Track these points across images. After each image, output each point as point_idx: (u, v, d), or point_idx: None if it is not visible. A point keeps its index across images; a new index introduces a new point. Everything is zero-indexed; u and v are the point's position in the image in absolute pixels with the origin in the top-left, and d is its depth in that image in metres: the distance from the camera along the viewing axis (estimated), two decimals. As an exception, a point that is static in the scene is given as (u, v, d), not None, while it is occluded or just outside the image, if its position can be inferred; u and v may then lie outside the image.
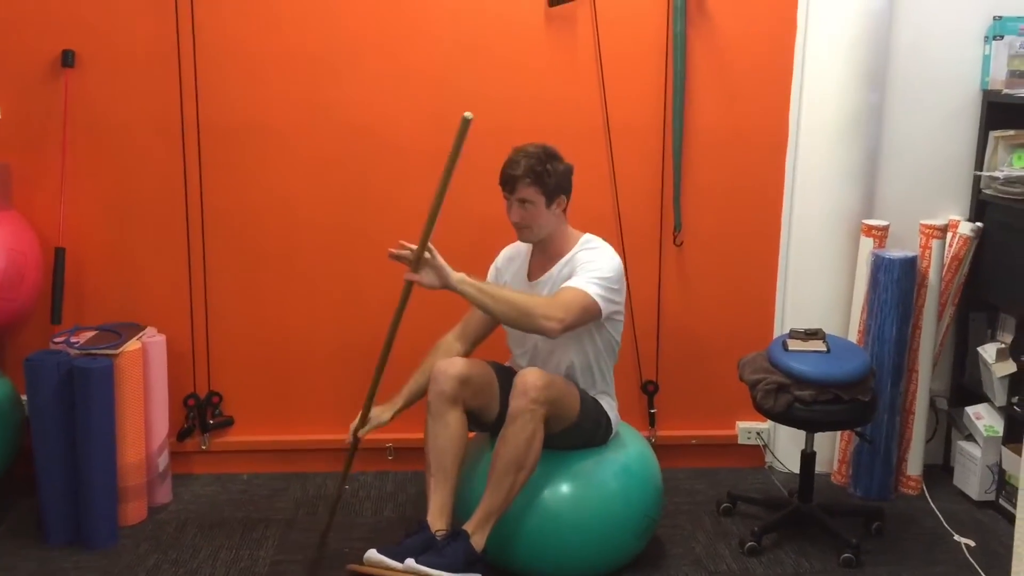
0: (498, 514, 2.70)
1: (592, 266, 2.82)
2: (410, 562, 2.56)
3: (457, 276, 2.68)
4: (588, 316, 2.79)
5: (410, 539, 2.70)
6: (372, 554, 2.62)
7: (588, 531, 2.84)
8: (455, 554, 2.62)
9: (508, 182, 2.85)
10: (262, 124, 3.47)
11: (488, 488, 2.71)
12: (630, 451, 3.03)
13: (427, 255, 2.65)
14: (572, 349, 2.92)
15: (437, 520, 2.74)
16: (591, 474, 2.90)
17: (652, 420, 3.72)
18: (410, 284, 2.71)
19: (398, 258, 2.69)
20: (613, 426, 3.01)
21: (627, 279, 3.13)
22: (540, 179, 2.82)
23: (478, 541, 2.67)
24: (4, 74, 3.37)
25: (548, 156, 2.85)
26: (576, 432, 2.88)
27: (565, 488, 2.85)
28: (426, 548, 2.65)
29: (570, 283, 2.79)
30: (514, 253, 3.09)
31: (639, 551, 3.01)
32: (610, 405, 3.01)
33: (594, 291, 2.77)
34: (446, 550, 2.63)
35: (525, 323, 2.74)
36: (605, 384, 3.01)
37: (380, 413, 2.98)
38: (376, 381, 2.89)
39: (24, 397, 3.20)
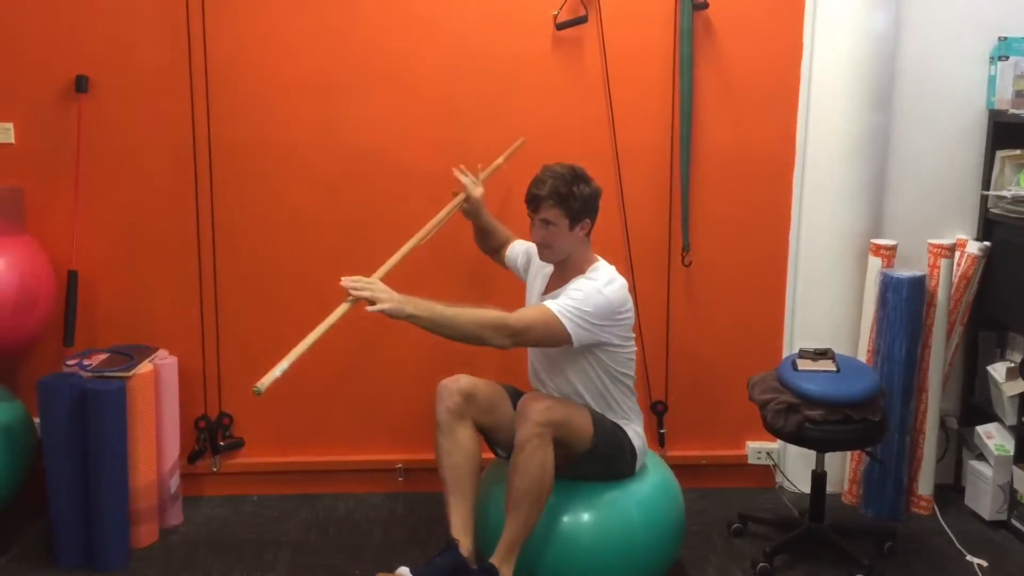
0: (521, 542, 2.69)
1: (575, 295, 2.77)
2: None
3: (408, 311, 2.58)
4: (551, 337, 2.74)
5: (439, 558, 2.69)
6: (405, 573, 2.62)
7: (610, 563, 2.82)
8: None
9: (532, 201, 2.84)
10: (272, 146, 3.50)
11: (507, 519, 2.69)
12: (654, 480, 3.00)
13: (380, 296, 2.57)
14: (569, 369, 2.90)
15: (463, 536, 2.74)
16: (614, 504, 2.87)
17: (662, 440, 3.72)
18: (353, 304, 2.60)
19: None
20: (639, 455, 2.96)
21: (636, 300, 3.14)
22: (564, 201, 2.80)
23: (506, 573, 2.67)
24: (19, 99, 3.41)
25: (575, 178, 2.83)
26: (597, 458, 2.84)
27: (587, 517, 2.83)
28: (455, 571, 2.65)
29: (545, 301, 2.79)
30: None
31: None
32: (634, 432, 2.97)
33: (557, 310, 2.72)
34: None
35: (477, 344, 2.71)
36: (624, 411, 2.97)
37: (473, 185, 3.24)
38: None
39: (37, 420, 3.22)
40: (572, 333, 2.74)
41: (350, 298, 2.56)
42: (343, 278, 2.60)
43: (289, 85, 3.47)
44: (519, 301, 3.09)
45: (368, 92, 3.50)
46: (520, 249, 3.23)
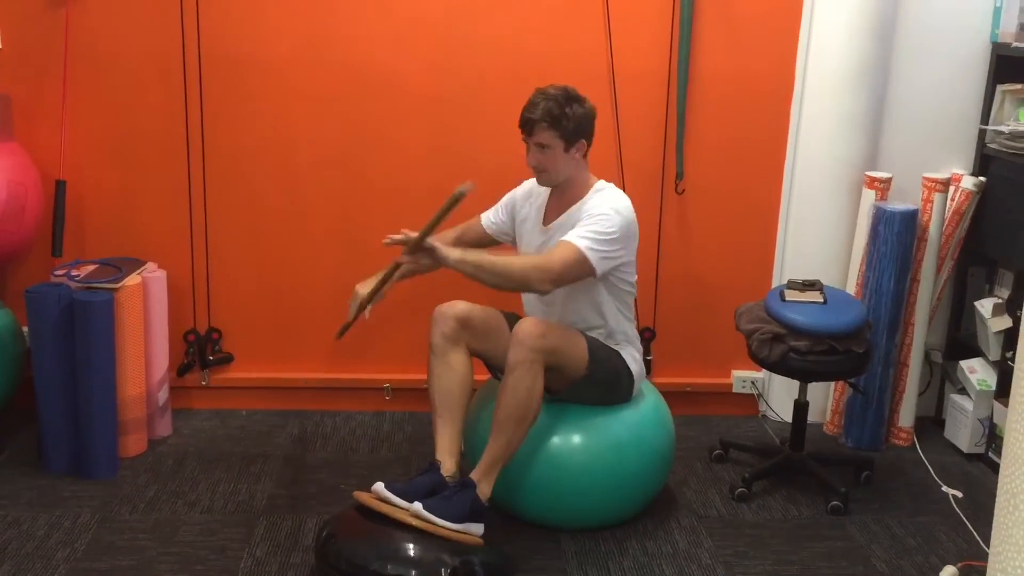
0: (503, 462, 2.71)
1: (594, 221, 2.75)
2: (417, 506, 2.55)
3: (455, 256, 2.64)
4: (581, 271, 2.73)
5: (420, 477, 2.71)
6: (380, 488, 2.62)
7: (596, 486, 2.86)
8: (462, 503, 2.61)
9: (525, 125, 2.78)
10: (263, 59, 3.44)
11: (492, 437, 2.71)
12: (646, 408, 3.01)
13: (426, 244, 2.62)
14: (577, 296, 2.88)
15: (446, 458, 2.76)
16: (603, 428, 2.89)
17: (648, 367, 3.74)
18: (396, 265, 2.73)
19: (395, 243, 2.64)
20: (636, 379, 2.96)
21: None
22: (557, 123, 2.74)
23: (484, 490, 2.68)
24: (5, 4, 3.34)
25: (568, 99, 2.76)
26: (594, 384, 2.85)
27: (577, 440, 2.85)
28: (434, 490, 2.65)
29: (567, 236, 2.74)
30: (535, 190, 3.00)
31: (646, 506, 3.04)
32: (631, 357, 2.96)
33: (585, 245, 2.70)
34: (453, 499, 2.62)
35: (522, 290, 2.81)
36: (623, 336, 2.97)
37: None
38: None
39: (25, 328, 3.23)
40: (596, 266, 2.74)
41: (400, 236, 2.61)
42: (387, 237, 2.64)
43: (281, -3, 3.41)
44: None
45: (360, 9, 3.42)
46: (494, 215, 3.11)
